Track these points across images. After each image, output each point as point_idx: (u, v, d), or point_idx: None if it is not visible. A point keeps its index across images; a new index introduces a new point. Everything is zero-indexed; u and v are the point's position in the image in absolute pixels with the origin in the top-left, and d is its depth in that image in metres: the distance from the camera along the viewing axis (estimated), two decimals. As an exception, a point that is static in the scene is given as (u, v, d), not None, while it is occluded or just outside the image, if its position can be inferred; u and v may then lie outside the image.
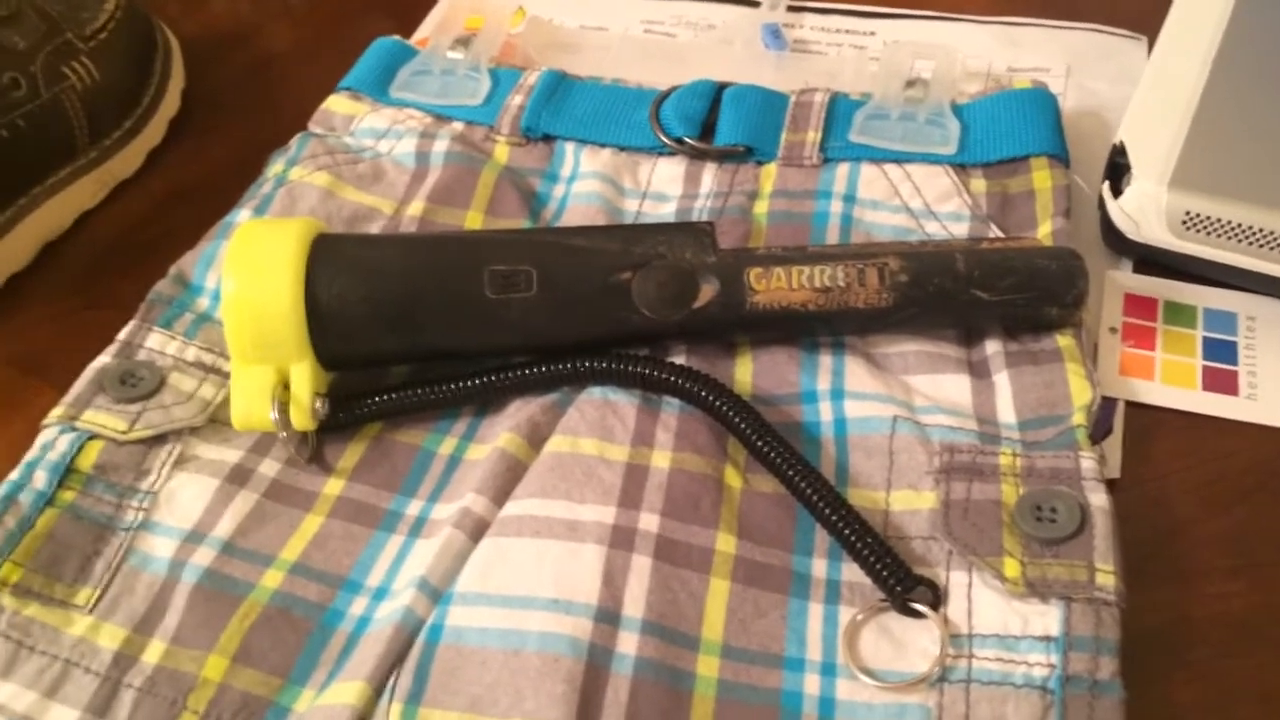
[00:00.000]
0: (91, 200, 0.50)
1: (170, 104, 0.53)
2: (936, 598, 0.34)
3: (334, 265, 0.38)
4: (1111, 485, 0.36)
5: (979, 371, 0.40)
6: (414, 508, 0.38)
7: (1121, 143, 0.43)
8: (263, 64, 0.58)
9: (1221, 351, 0.41)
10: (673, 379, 0.38)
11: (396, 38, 0.53)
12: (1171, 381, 0.40)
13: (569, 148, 0.49)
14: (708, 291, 0.39)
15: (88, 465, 0.38)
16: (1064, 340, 0.39)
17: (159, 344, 0.41)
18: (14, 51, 0.45)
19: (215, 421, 0.40)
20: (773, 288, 0.39)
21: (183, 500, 0.38)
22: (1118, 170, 0.43)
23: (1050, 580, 0.33)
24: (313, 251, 0.38)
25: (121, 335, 0.41)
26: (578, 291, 0.39)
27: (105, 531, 0.37)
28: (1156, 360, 0.41)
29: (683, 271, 0.39)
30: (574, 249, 0.39)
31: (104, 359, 0.41)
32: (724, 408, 0.38)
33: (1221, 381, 0.40)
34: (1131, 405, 0.40)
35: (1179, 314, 0.42)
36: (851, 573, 0.35)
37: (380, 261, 0.39)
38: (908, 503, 0.36)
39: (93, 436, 0.38)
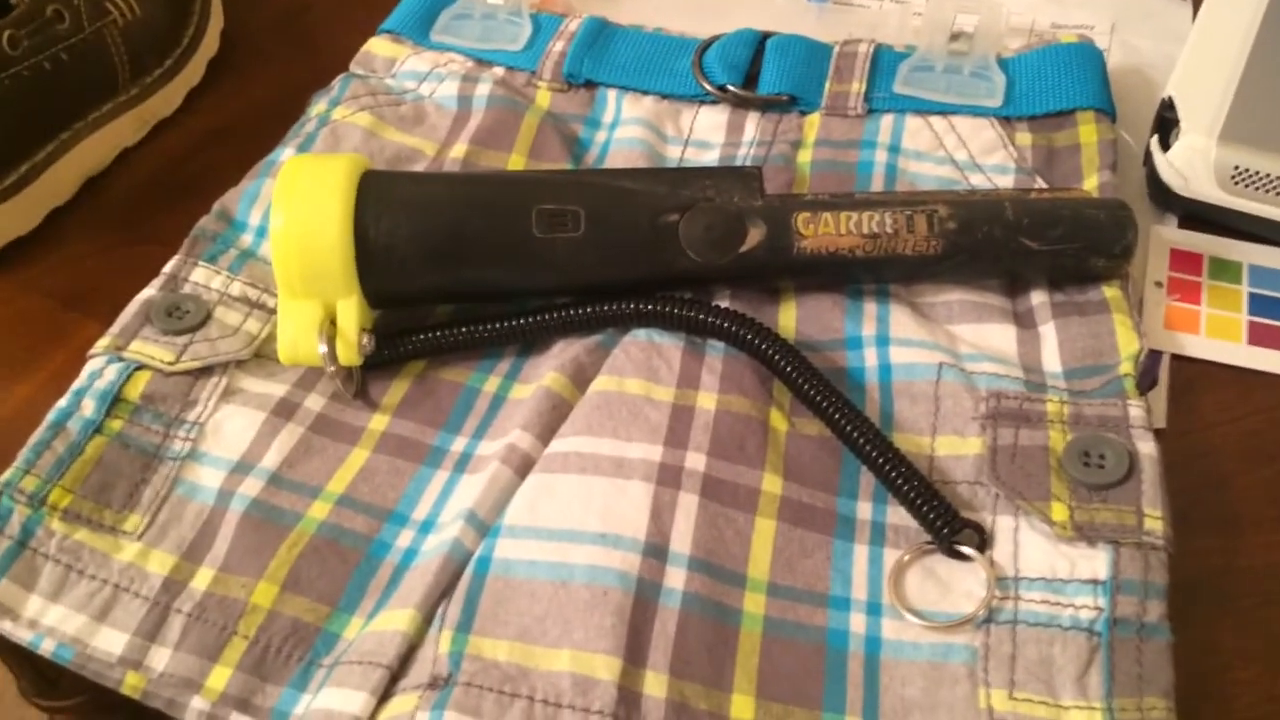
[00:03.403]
0: (132, 137, 0.50)
1: (210, 44, 0.53)
2: (983, 540, 0.34)
3: (383, 201, 0.38)
4: (1157, 435, 0.36)
5: (1025, 321, 0.40)
6: (459, 444, 0.38)
7: (1170, 97, 0.43)
8: (302, 6, 0.57)
9: (1267, 307, 0.41)
10: (718, 322, 0.38)
11: (438, -19, 0.53)
12: (1217, 335, 0.40)
13: (611, 94, 0.48)
14: (755, 235, 0.39)
15: (135, 395, 0.38)
16: (1110, 291, 0.39)
17: (204, 278, 0.41)
18: (57, -16, 0.45)
19: (261, 356, 0.40)
20: (820, 233, 0.39)
21: (229, 431, 0.38)
22: (1166, 125, 0.43)
23: (1098, 525, 0.33)
24: (361, 187, 0.38)
25: (166, 269, 0.41)
26: (625, 232, 0.39)
27: (153, 460, 0.37)
28: (1202, 314, 0.41)
29: (730, 215, 0.39)
30: (622, 190, 0.39)
31: (150, 291, 0.41)
32: (770, 351, 0.38)
33: (1267, 336, 0.40)
34: (1176, 358, 0.40)
35: (1224, 269, 0.42)
36: (897, 515, 0.35)
37: (429, 198, 0.39)
38: (953, 448, 0.36)
39: (140, 367, 0.38)
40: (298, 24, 0.56)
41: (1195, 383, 0.39)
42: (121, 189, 0.48)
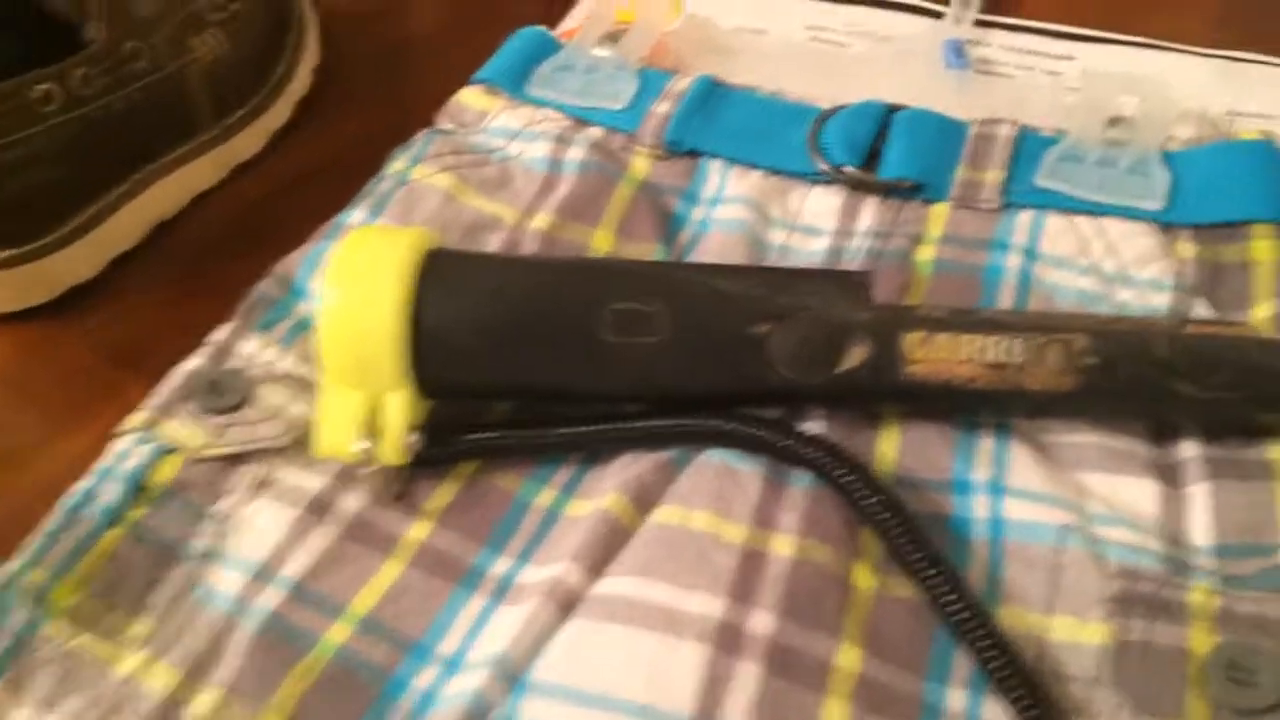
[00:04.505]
0: (210, 181, 0.47)
1: (300, 82, 0.50)
2: (1097, 759, 0.28)
3: (445, 286, 0.34)
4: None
5: (1171, 478, 0.34)
6: (501, 565, 0.34)
7: (1369, 217, 0.36)
8: (404, 44, 0.54)
9: None
10: (803, 450, 0.33)
11: (541, 28, 0.49)
12: None
13: (715, 166, 0.44)
14: (857, 354, 0.34)
15: (162, 481, 0.35)
16: (1277, 452, 0.33)
17: (255, 349, 0.38)
18: (137, 19, 0.42)
19: (301, 443, 0.37)
20: (934, 357, 0.34)
21: (257, 529, 0.34)
22: (1362, 249, 0.36)
23: (1243, 762, 0.27)
24: (424, 269, 0.35)
25: (217, 336, 0.39)
26: (709, 342, 0.34)
27: (171, 558, 0.34)
28: (1391, 485, 0.34)
29: (830, 328, 0.34)
30: (710, 291, 0.35)
31: (196, 361, 0.38)
32: (859, 489, 0.33)
33: None
34: (1355, 538, 0.33)
35: None
36: (994, 710, 0.30)
37: (495, 286, 0.35)
38: (1071, 633, 0.31)
39: (171, 450, 0.35)
40: (399, 62, 0.53)
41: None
42: (193, 236, 0.46)
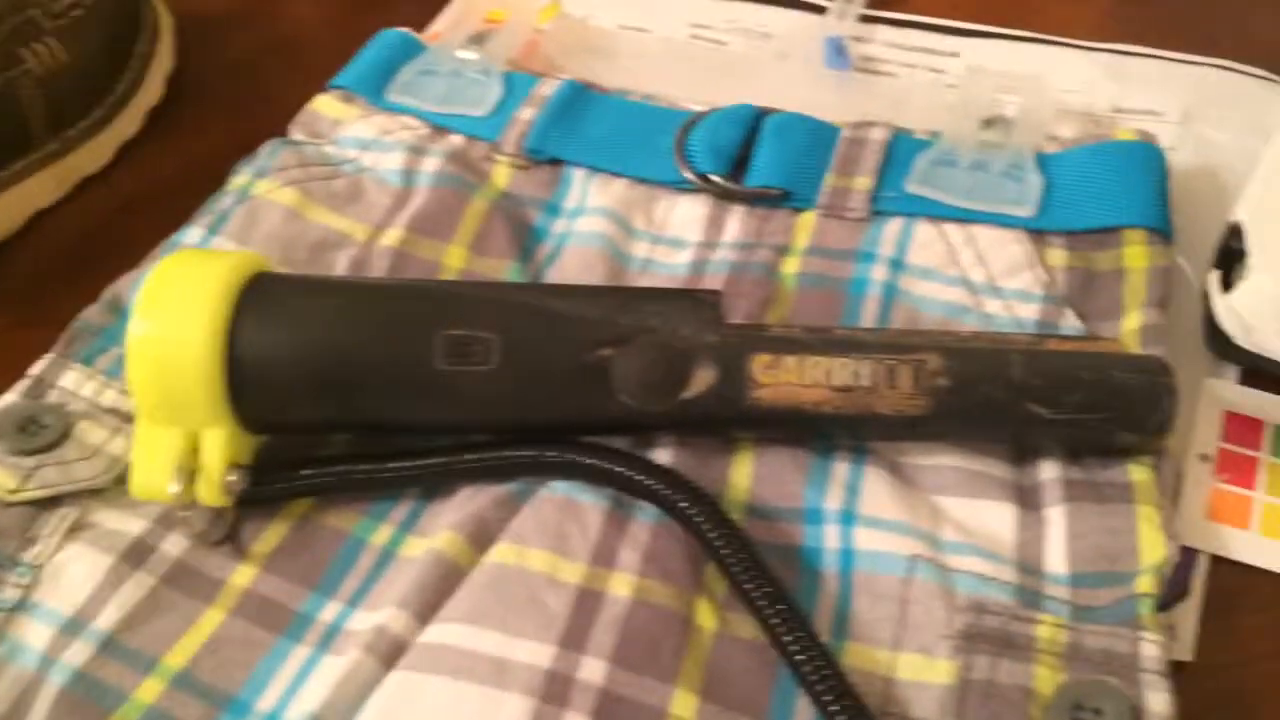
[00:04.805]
0: (49, 198, 0.44)
1: (151, 92, 0.47)
2: (937, 810, 0.27)
3: (264, 315, 0.32)
4: (1178, 670, 0.28)
5: (1029, 501, 0.32)
6: (330, 612, 0.32)
7: (1239, 223, 0.35)
8: (267, 49, 0.52)
9: (1343, 500, 0.33)
10: (645, 480, 0.32)
11: (404, 30, 0.47)
12: (1274, 533, 0.32)
13: (578, 175, 0.42)
14: (702, 379, 0.32)
15: (-34, 529, 0.33)
16: (1139, 473, 0.32)
17: (74, 383, 0.36)
18: (-41, 29, 0.40)
19: (123, 483, 0.34)
20: (781, 381, 0.32)
21: (70, 578, 0.32)
22: (1231, 256, 0.35)
23: (1084, 810, 0.26)
24: (241, 297, 0.32)
25: (35, 369, 0.36)
26: (545, 369, 0.32)
27: (-23, 611, 0.32)
28: (1256, 503, 0.33)
29: (674, 352, 0.32)
30: (547, 314, 0.33)
31: (10, 397, 0.35)
32: (704, 525, 0.31)
33: (1339, 540, 0.32)
34: (1218, 562, 0.32)
35: (1293, 444, 0.34)
36: (837, 758, 0.28)
37: (318, 315, 0.33)
38: (917, 671, 0.29)
39: (-23, 494, 0.33)
40: (259, 67, 0.51)
41: (1238, 597, 0.31)
42: (30, 260, 0.43)
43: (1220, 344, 0.35)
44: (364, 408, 0.33)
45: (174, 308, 0.32)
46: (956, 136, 0.40)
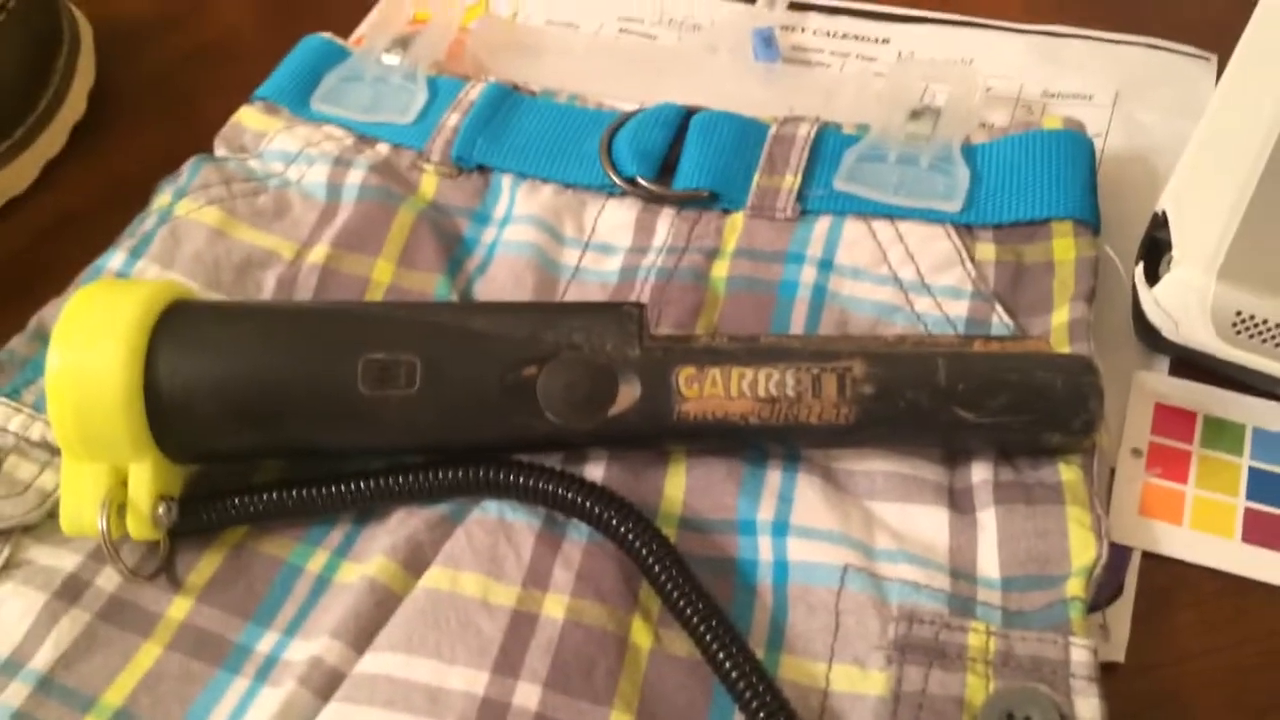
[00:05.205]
0: (-29, 222, 0.44)
1: (74, 107, 0.46)
2: (869, 824, 0.27)
3: (182, 346, 0.32)
4: (1112, 670, 0.29)
5: (961, 504, 0.32)
6: (267, 642, 0.32)
7: (1163, 212, 0.35)
8: (192, 57, 0.51)
9: (1271, 489, 0.33)
10: (577, 499, 0.32)
11: (327, 35, 0.46)
12: (1205, 527, 0.32)
13: (506, 182, 0.41)
14: (627, 395, 0.32)
15: (-109, 573, 0.32)
16: (1068, 473, 0.32)
17: (1, 417, 0.35)
18: None
19: (54, 518, 0.34)
20: (706, 394, 0.32)
21: (3, 618, 0.32)
22: (1156, 248, 0.35)
23: (1012, 821, 0.26)
24: (159, 327, 0.32)
25: (-42, 405, 0.36)
26: (469, 389, 0.32)
27: (-94, 656, 0.31)
28: (1188, 497, 0.33)
29: (597, 369, 0.32)
30: (468, 334, 0.32)
31: (-67, 435, 0.35)
32: (635, 541, 0.31)
33: (1269, 531, 0.32)
34: (1150, 557, 0.32)
35: (1222, 434, 0.34)
36: (773, 772, 0.28)
37: (237, 343, 0.32)
38: (851, 683, 0.29)
39: (-98, 536, 0.33)
40: (179, 81, 0.50)
41: (1171, 594, 0.32)
42: (-51, 286, 0.43)
43: (1149, 336, 0.35)
44: (288, 434, 0.33)
45: (90, 340, 0.31)
46: (884, 129, 0.40)
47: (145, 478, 0.32)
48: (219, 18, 0.53)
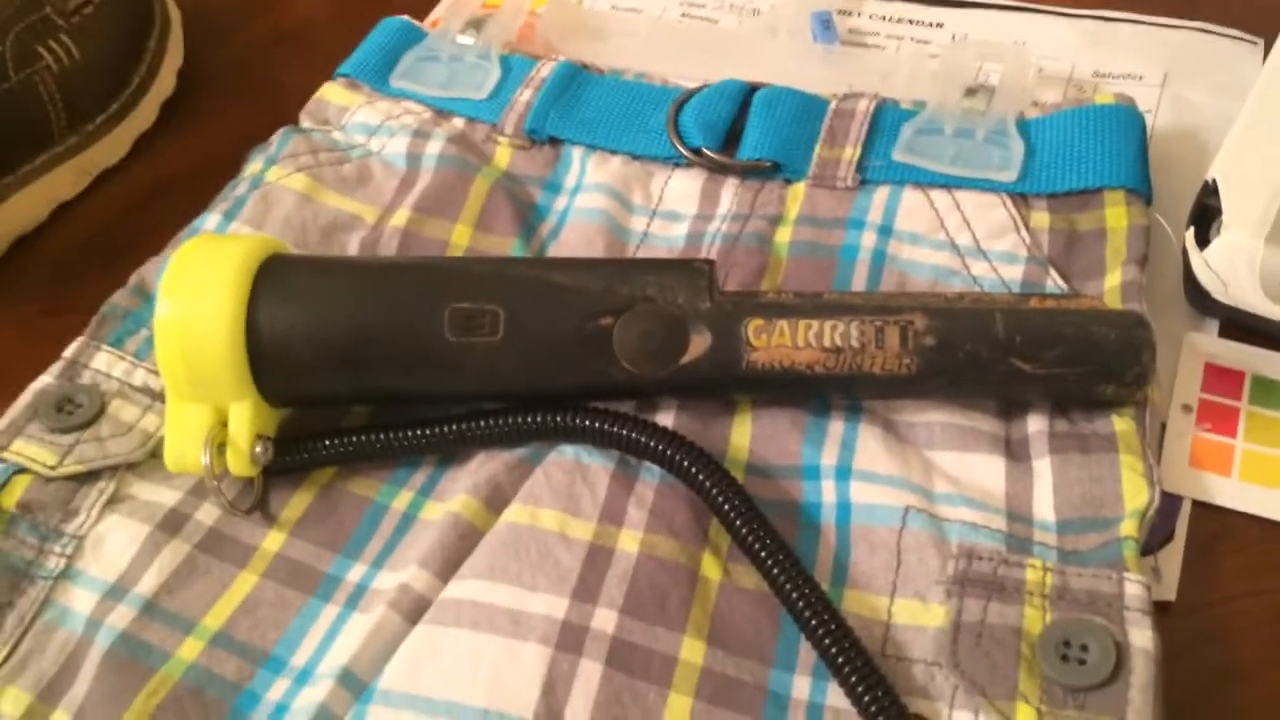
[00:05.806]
0: (70, 190, 0.46)
1: (164, 84, 0.49)
2: (931, 741, 0.29)
3: (280, 296, 0.34)
4: (1164, 610, 0.30)
5: (1018, 453, 0.34)
6: (356, 573, 0.34)
7: (1214, 180, 0.36)
8: (274, 40, 0.53)
9: (1316, 443, 0.34)
10: (647, 441, 0.33)
11: (404, 18, 0.48)
12: (1253, 479, 0.34)
13: (576, 153, 0.43)
14: (698, 345, 0.34)
15: (11, 503, 0.34)
16: (1121, 424, 0.33)
17: (106, 364, 0.38)
18: (-22, 28, 0.42)
19: (156, 457, 0.36)
20: (774, 344, 0.33)
21: (110, 547, 0.34)
22: (1206, 214, 0.37)
23: (1069, 738, 0.27)
24: (259, 278, 0.34)
25: (68, 352, 0.38)
26: (549, 338, 0.34)
27: (22, 580, 0.33)
28: (1237, 450, 0.34)
29: (670, 320, 0.34)
30: (549, 286, 0.34)
31: (45, 379, 0.37)
32: (703, 480, 0.32)
33: (1313, 482, 0.34)
34: (1200, 506, 0.34)
35: (1270, 393, 0.35)
36: (838, 696, 0.30)
37: (331, 293, 0.34)
38: (913, 616, 0.31)
39: (20, 470, 0.35)
40: (269, 58, 0.52)
41: (1220, 540, 0.33)
42: (54, 250, 0.45)
43: (1199, 299, 0.37)
44: (377, 380, 0.35)
45: (196, 290, 0.33)
46: (941, 105, 0.42)
47: (245, 417, 0.34)
48: (297, 7, 0.55)
